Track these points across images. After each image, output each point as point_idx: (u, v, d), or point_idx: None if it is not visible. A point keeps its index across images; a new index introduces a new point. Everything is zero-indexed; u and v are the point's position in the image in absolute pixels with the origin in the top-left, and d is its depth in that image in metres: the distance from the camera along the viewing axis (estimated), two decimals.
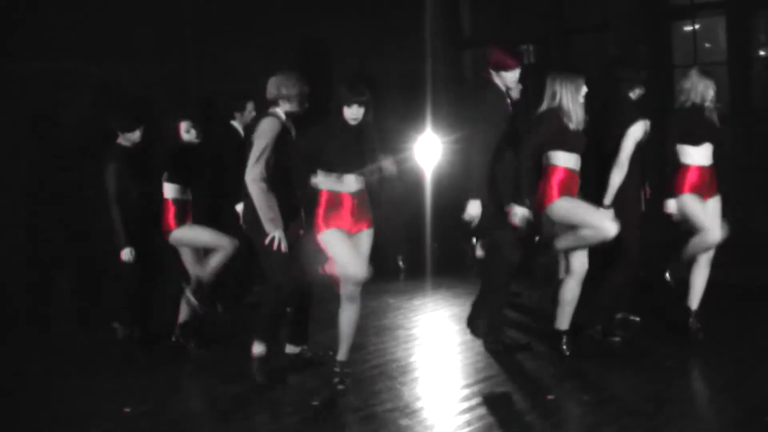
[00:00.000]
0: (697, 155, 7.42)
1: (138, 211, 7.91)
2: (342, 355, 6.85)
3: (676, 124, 7.43)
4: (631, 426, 5.77)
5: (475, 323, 7.58)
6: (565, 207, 7.09)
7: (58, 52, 9.49)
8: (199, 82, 10.39)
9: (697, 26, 11.35)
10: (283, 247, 6.63)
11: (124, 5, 9.90)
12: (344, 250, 6.58)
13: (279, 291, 6.83)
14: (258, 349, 6.87)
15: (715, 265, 7.62)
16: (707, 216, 7.41)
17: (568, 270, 7.34)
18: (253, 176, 6.63)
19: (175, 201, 7.91)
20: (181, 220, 7.91)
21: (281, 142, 6.73)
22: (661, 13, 11.34)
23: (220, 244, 7.87)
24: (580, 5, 12.13)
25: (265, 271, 6.95)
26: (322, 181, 6.66)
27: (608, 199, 7.16)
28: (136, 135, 7.89)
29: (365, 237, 6.76)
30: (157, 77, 10.07)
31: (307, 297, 7.22)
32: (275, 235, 6.62)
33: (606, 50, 11.50)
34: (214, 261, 7.90)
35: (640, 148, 7.35)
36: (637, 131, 7.24)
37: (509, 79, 7.12)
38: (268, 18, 11.19)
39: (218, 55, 10.31)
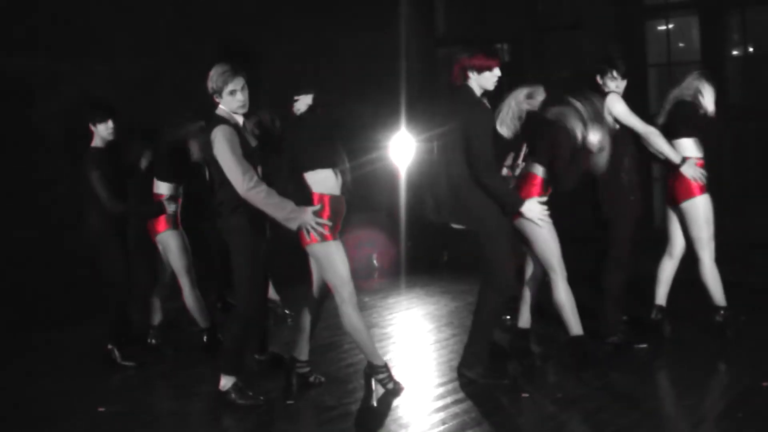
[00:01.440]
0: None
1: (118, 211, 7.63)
2: (374, 358, 6.68)
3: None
4: (604, 423, 5.77)
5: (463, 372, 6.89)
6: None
7: (34, 49, 9.43)
8: (173, 80, 10.34)
9: (670, 25, 11.41)
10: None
11: (98, 2, 9.86)
12: (346, 266, 6.51)
13: (243, 319, 6.42)
14: (225, 381, 6.45)
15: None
16: None
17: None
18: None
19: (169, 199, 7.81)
20: (172, 221, 7.80)
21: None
22: (635, 12, 11.38)
23: (184, 274, 7.87)
24: (554, 4, 12.16)
25: (235, 283, 6.57)
26: (320, 181, 6.51)
27: (676, 156, 7.36)
28: (108, 128, 7.63)
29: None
30: (132, 75, 10.01)
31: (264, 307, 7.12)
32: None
33: (580, 49, 11.54)
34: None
35: (632, 139, 7.41)
36: (614, 100, 7.33)
37: (491, 80, 6.72)
38: (243, 15, 11.15)
39: (192, 54, 10.25)
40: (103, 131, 7.63)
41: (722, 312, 7.58)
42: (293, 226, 6.16)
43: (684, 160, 7.38)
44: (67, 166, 9.18)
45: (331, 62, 11.75)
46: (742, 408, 5.93)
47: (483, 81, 6.69)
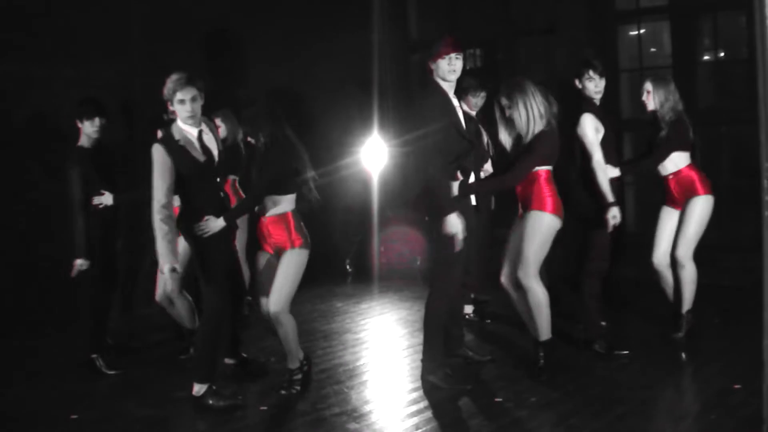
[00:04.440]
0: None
1: (102, 218, 7.52)
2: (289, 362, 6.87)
3: None
4: (577, 426, 5.79)
5: (427, 378, 6.93)
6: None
7: (5, 54, 9.34)
8: (145, 83, 10.27)
9: (642, 30, 11.45)
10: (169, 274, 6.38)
11: (69, 4, 9.78)
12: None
13: (210, 323, 6.51)
14: (198, 388, 6.53)
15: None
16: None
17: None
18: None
19: None
20: None
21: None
22: (607, 17, 11.42)
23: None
24: (527, 9, 12.19)
25: (202, 286, 6.68)
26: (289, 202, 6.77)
27: (611, 197, 7.26)
28: (95, 125, 7.49)
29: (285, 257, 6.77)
30: (103, 79, 9.93)
31: (239, 308, 7.14)
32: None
33: (553, 53, 11.58)
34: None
35: (609, 140, 7.42)
36: (586, 123, 7.30)
37: (445, 69, 6.65)
38: (216, 18, 11.11)
39: (164, 56, 10.19)
40: (89, 129, 7.51)
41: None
42: (161, 263, 6.30)
43: (613, 203, 7.31)
44: (41, 171, 9.13)
45: (304, 67, 11.73)
46: (715, 410, 5.95)
47: (439, 71, 6.70)
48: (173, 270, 6.27)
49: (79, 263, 7.37)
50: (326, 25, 11.95)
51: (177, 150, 6.38)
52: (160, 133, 7.83)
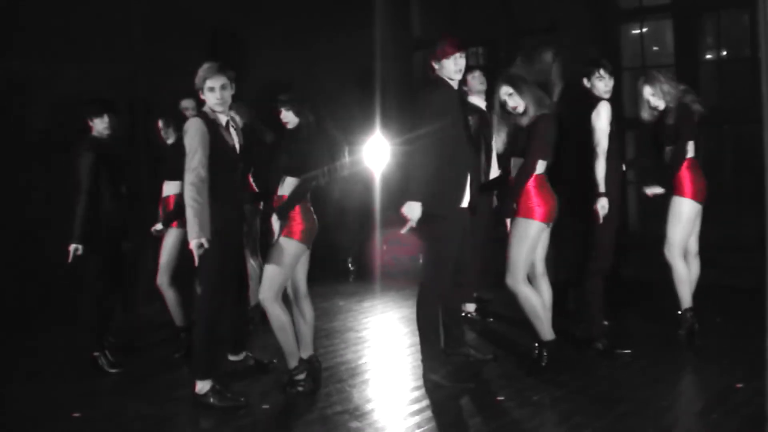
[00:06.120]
0: None
1: (109, 214, 7.54)
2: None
3: None
4: (579, 425, 5.77)
5: (429, 377, 6.92)
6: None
7: (9, 53, 9.35)
8: (147, 82, 10.27)
9: (645, 29, 11.44)
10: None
11: (71, 4, 9.78)
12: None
13: (206, 319, 6.45)
14: (201, 385, 6.50)
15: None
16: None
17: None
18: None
19: (178, 196, 7.67)
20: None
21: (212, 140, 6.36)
22: (610, 15, 11.41)
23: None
24: (530, 7, 12.17)
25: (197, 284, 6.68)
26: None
27: (603, 187, 7.22)
28: (104, 122, 7.52)
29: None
30: (106, 77, 9.93)
31: (244, 304, 7.13)
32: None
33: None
34: None
35: (612, 137, 7.42)
36: (602, 110, 7.31)
37: (451, 69, 6.66)
38: (220, 19, 11.12)
39: (165, 55, 10.19)
40: (99, 126, 7.53)
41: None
42: (190, 238, 6.18)
43: (604, 194, 7.27)
44: (41, 171, 9.12)
45: (306, 66, 11.73)
46: (717, 409, 5.95)
47: (445, 71, 6.70)
48: (200, 246, 6.15)
49: (74, 248, 7.33)
50: (328, 24, 11.95)
51: (212, 125, 6.34)
52: (161, 123, 7.92)
